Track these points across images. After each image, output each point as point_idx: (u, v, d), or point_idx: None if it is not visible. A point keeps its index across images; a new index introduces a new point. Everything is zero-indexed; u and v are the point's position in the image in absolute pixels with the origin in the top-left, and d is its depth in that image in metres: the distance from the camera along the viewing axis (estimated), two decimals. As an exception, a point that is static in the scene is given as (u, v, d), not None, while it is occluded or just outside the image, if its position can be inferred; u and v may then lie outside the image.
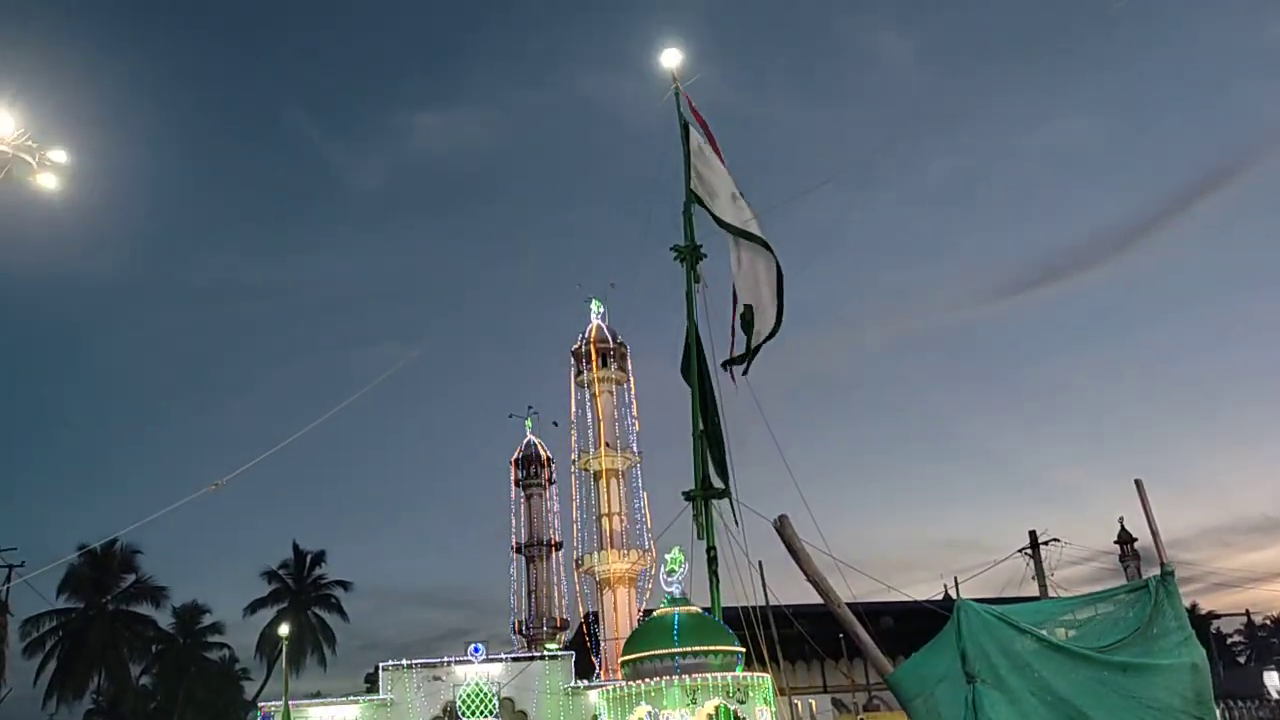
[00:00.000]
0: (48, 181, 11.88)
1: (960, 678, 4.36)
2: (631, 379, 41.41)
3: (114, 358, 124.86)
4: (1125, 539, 32.17)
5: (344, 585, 50.35)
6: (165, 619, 45.52)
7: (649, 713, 21.99)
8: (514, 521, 45.83)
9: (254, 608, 48.28)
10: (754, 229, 22.16)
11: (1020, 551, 29.80)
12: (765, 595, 24.68)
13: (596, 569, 39.07)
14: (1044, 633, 4.42)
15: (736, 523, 22.57)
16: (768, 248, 22.08)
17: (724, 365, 22.55)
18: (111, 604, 43.96)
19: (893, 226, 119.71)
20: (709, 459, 24.03)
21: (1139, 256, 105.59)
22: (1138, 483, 4.90)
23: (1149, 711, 4.23)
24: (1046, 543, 29.71)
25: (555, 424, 42.85)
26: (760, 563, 25.23)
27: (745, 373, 22.77)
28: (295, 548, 50.12)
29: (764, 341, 22.32)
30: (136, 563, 44.68)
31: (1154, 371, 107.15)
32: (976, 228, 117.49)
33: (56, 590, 41.64)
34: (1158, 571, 4.67)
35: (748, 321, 22.25)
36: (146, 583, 44.89)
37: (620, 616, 37.52)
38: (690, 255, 25.65)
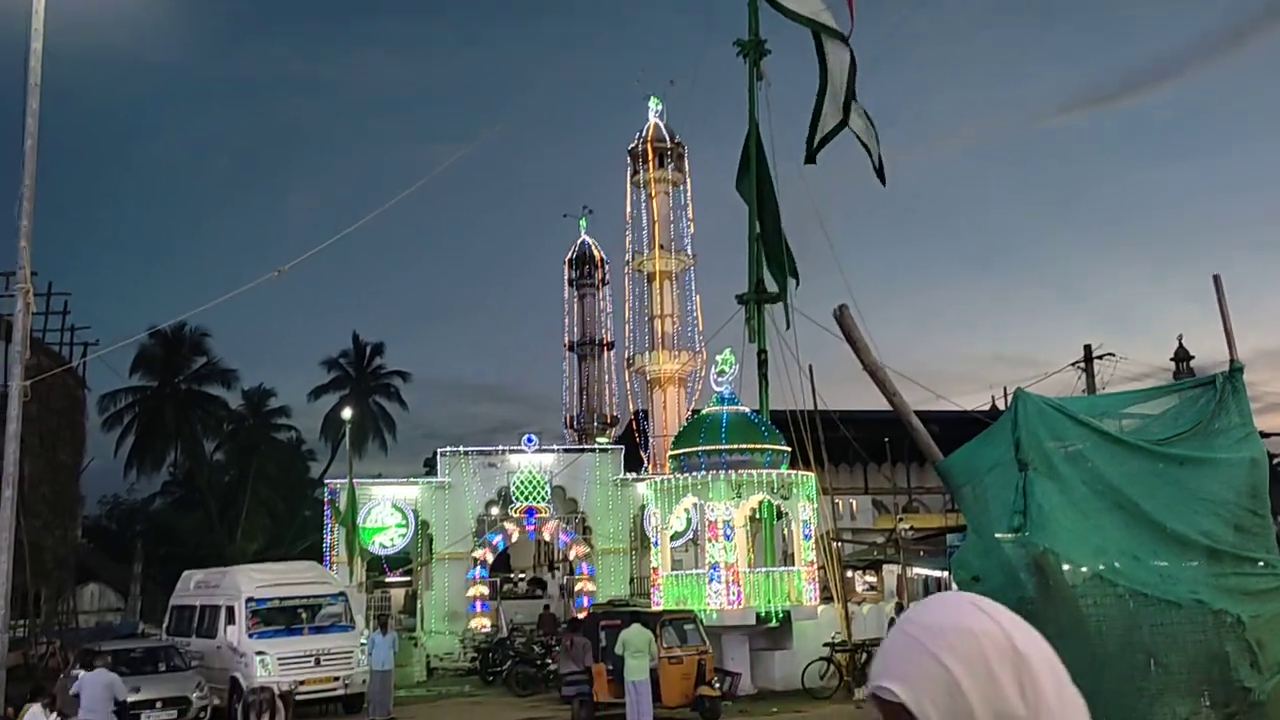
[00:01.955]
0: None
1: (1011, 466, 4.38)
2: (688, 180, 40.73)
3: (174, 146, 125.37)
4: (1182, 356, 31.74)
5: (402, 376, 52.10)
6: (235, 400, 47.63)
7: (695, 505, 22.87)
8: (567, 320, 46.49)
9: (317, 393, 50.33)
10: (826, 20, 21.08)
11: (1073, 365, 29.64)
12: (814, 398, 25.03)
13: (647, 369, 39.77)
14: (1101, 424, 4.40)
15: (790, 301, 22.43)
16: (841, 38, 21.07)
17: (809, 159, 22.12)
18: (184, 384, 45.98)
19: (963, 36, 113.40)
20: (767, 260, 23.84)
21: (1220, 75, 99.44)
22: (1216, 279, 4.73)
23: (1202, 504, 4.25)
24: (1101, 357, 29.48)
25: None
26: (810, 366, 25.47)
27: (808, 160, 22.27)
28: (355, 338, 51.64)
29: (831, 134, 21.69)
30: (206, 346, 46.42)
31: (1223, 196, 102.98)
32: (1049, 38, 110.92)
33: (130, 369, 43.58)
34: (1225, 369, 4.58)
35: (819, 111, 21.63)
36: (216, 365, 46.75)
37: (669, 415, 38.45)
38: (754, 51, 24.62)
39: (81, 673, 17.95)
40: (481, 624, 28.67)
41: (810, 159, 22.56)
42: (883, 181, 22.69)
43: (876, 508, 40.68)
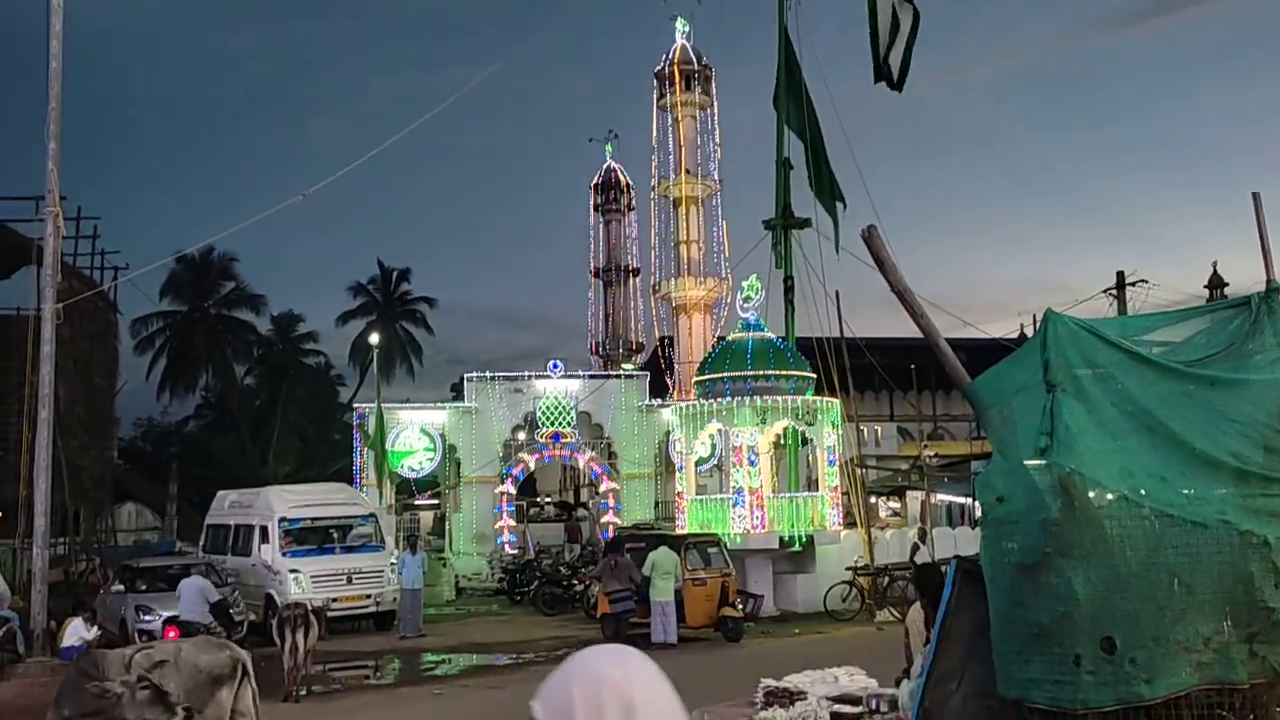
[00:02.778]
0: None
1: (1039, 388, 4.34)
2: (715, 104, 40.06)
3: (199, 70, 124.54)
4: (1216, 283, 31.20)
5: (429, 301, 52.27)
6: (264, 325, 48.07)
7: (719, 430, 22.99)
8: (592, 246, 46.27)
9: (345, 319, 50.64)
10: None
11: (1105, 292, 29.23)
12: (840, 325, 24.92)
13: (673, 295, 39.64)
14: (1132, 345, 4.34)
15: (839, 222, 22.14)
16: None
17: (894, 81, 21.55)
18: (213, 309, 46.40)
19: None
20: (816, 181, 23.39)
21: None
22: (1255, 196, 4.61)
23: (1232, 425, 4.21)
24: (1134, 284, 29.05)
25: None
26: (837, 292, 25.32)
27: (887, 83, 21.70)
28: (380, 264, 51.73)
29: (902, 49, 21.15)
30: (234, 270, 46.72)
31: (1263, 120, 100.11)
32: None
33: (159, 294, 43.98)
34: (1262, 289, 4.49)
35: (875, 28, 21.11)
36: (244, 290, 47.09)
37: (694, 342, 38.43)
38: (783, -35, 23.98)
39: (120, 586, 18.52)
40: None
41: (892, 83, 21.84)
42: (897, 87, 21.90)
43: (901, 435, 40.74)
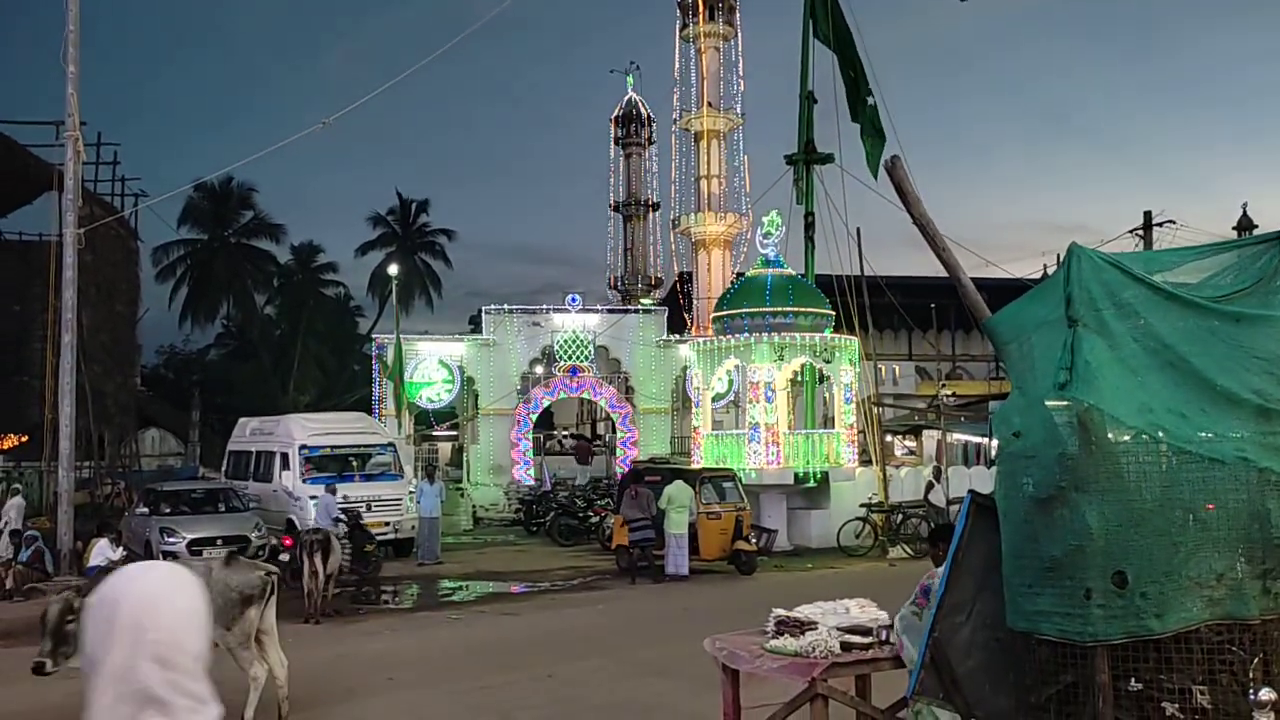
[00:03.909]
0: None
1: (1060, 323, 4.29)
2: (739, 35, 39.34)
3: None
4: (1245, 225, 30.67)
5: (447, 234, 52.14)
6: (284, 255, 48.14)
7: (737, 366, 22.99)
8: (612, 180, 45.90)
9: (364, 250, 50.65)
10: None
11: (1131, 232, 28.83)
12: (860, 263, 24.74)
13: (692, 230, 39.39)
14: (1157, 279, 4.27)
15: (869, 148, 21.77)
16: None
17: None
18: (233, 237, 46.47)
19: None
20: (857, 110, 22.94)
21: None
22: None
23: (1255, 362, 4.16)
24: (1161, 224, 28.61)
25: None
26: (858, 230, 25.08)
27: None
28: (400, 196, 51.55)
29: None
30: (253, 200, 46.68)
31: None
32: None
33: (177, 222, 44.03)
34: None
35: None
36: (264, 219, 47.09)
37: (714, 277, 38.27)
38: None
39: (144, 509, 18.87)
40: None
41: None
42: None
43: (919, 374, 40.65)
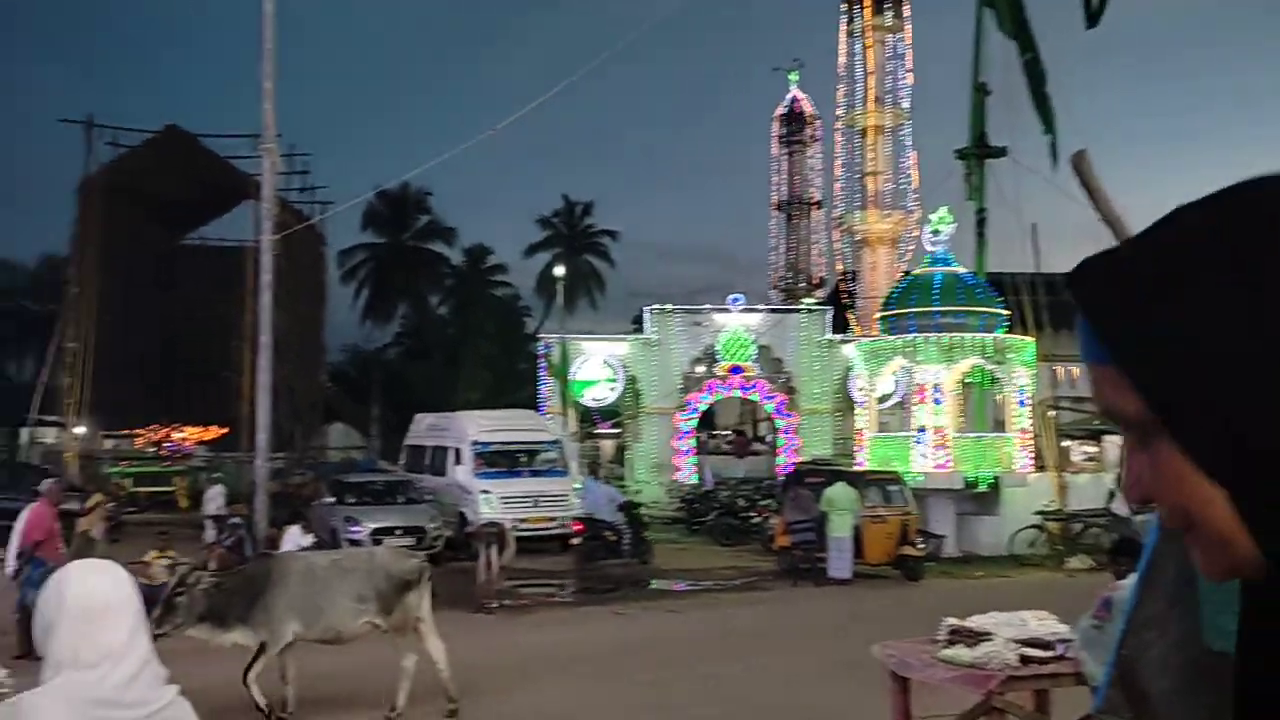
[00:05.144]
0: None
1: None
2: (907, 26, 38.39)
3: (394, 9, 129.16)
4: None
5: (611, 234, 53.02)
6: (456, 257, 50.11)
7: (903, 367, 22.48)
8: (774, 179, 45.61)
9: (531, 251, 52.09)
10: None
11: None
12: (1036, 259, 23.73)
13: (856, 228, 38.71)
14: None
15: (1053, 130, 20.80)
16: None
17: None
18: (410, 241, 48.72)
19: None
20: (1033, 86, 22.05)
21: None
22: None
23: None
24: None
25: None
26: (1034, 225, 24.06)
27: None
28: (565, 198, 52.76)
29: None
30: (428, 204, 48.79)
31: None
32: None
33: (360, 227, 46.51)
34: None
35: None
36: (437, 223, 49.15)
37: (878, 276, 37.49)
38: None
39: (331, 499, 19.98)
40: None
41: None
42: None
43: (1100, 376, 38.55)
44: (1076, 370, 37.69)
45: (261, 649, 7.83)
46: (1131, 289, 0.72)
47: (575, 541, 17.78)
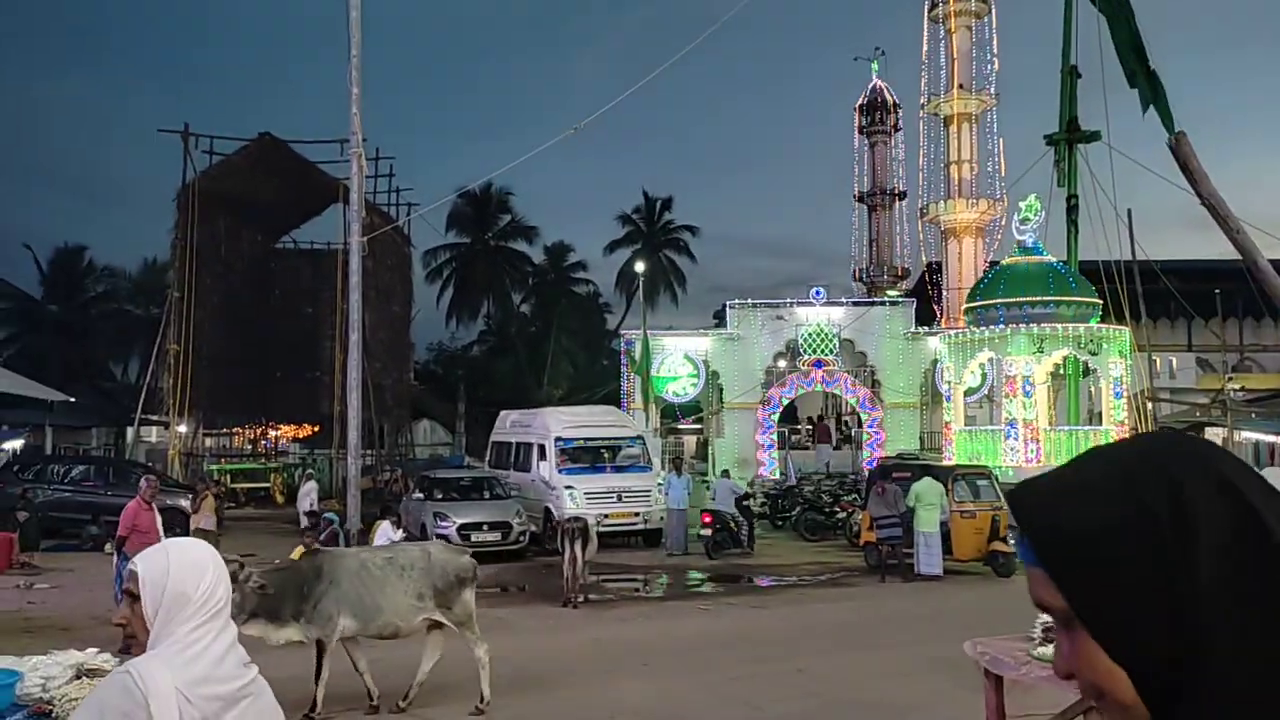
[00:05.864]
0: None
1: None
2: (992, 10, 37.48)
3: (475, 10, 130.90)
4: None
5: (691, 230, 52.92)
6: (537, 256, 50.63)
7: (991, 360, 21.99)
8: (856, 170, 45.03)
9: (611, 248, 52.32)
10: None
11: None
12: (1131, 246, 22.97)
13: (942, 218, 37.97)
14: None
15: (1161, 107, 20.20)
16: None
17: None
18: (493, 240, 49.38)
19: None
20: (1135, 51, 21.43)
21: None
22: None
23: None
24: None
25: None
26: (1129, 211, 23.28)
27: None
28: (645, 194, 52.83)
29: None
30: (510, 204, 49.37)
31: None
32: None
33: (445, 227, 47.29)
34: None
35: None
36: (520, 222, 49.72)
37: (964, 267, 36.74)
38: None
39: (420, 494, 20.36)
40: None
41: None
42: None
43: (1201, 366, 37.19)
44: (1176, 360, 36.48)
45: (320, 648, 8.01)
46: (1057, 511, 0.93)
47: (705, 533, 18.96)
